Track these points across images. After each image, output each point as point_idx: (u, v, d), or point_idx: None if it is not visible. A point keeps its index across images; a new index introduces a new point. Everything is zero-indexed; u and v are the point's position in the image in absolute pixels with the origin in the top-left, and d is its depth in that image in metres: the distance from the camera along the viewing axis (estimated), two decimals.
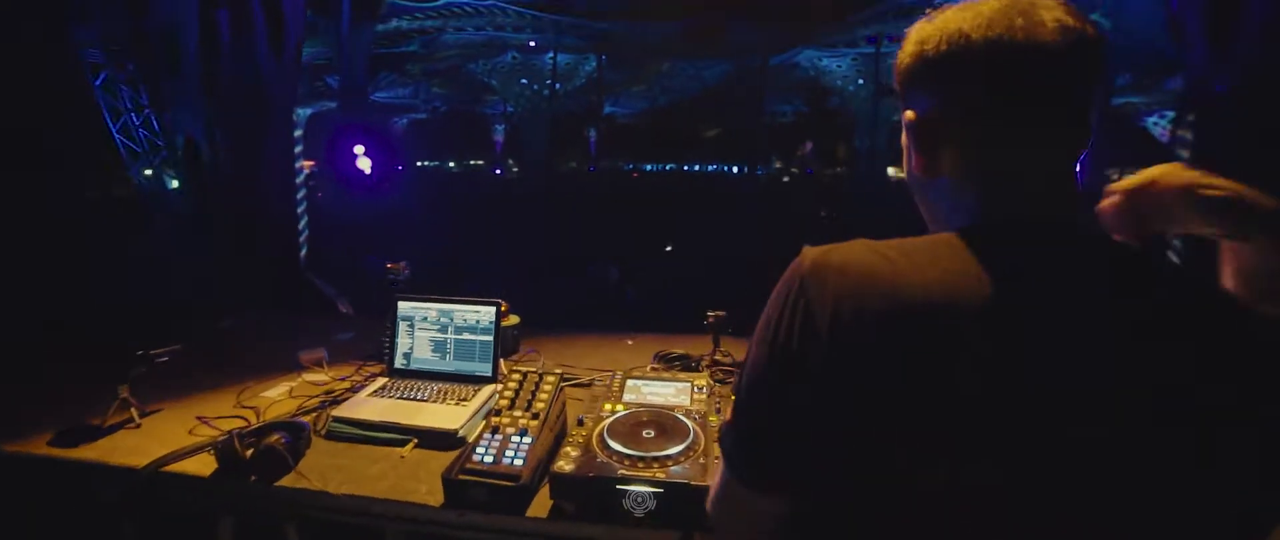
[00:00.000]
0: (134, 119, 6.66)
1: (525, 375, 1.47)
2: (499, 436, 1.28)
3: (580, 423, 1.33)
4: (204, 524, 1.38)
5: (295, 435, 1.36)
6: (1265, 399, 0.53)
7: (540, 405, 1.37)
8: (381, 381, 1.68)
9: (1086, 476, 0.52)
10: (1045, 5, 0.59)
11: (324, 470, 1.32)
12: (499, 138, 31.50)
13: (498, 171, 32.14)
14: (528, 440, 1.27)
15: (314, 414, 1.58)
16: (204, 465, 1.35)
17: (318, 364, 1.96)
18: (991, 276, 0.55)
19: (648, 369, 1.75)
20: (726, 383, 1.72)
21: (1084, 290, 0.56)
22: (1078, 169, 0.64)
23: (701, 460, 1.20)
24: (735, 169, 36.12)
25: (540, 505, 1.20)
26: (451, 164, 39.44)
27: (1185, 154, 3.24)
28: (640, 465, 1.17)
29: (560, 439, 1.36)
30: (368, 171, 3.93)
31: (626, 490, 1.13)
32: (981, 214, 0.63)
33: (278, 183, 4.67)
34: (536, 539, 1.18)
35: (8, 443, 1.45)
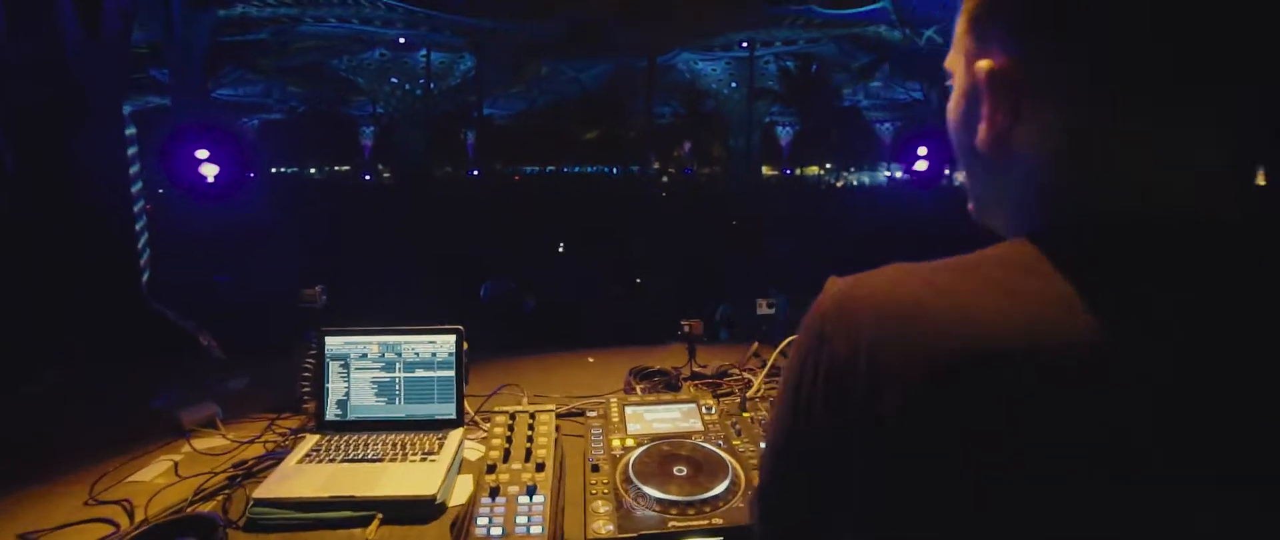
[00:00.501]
0: None
1: (513, 416, 1.22)
2: (501, 499, 1.02)
3: (596, 468, 1.11)
4: None
5: (205, 536, 1.00)
6: None
7: (541, 452, 1.13)
8: (310, 441, 1.32)
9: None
10: None
11: None
12: (367, 141, 29.02)
13: (367, 177, 29.65)
14: (540, 499, 1.03)
15: (220, 498, 1.20)
16: None
17: (209, 425, 1.53)
18: (1102, 309, 0.37)
19: (639, 391, 1.55)
20: (731, 394, 1.55)
21: (1255, 329, 0.37)
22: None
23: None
24: (614, 170, 36.46)
25: None
26: (312, 170, 35.87)
27: None
28: (691, 512, 0.99)
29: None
30: (212, 179, 3.31)
31: None
32: (1080, 210, 0.45)
33: (105, 194, 3.83)
34: None
35: None
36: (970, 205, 0.56)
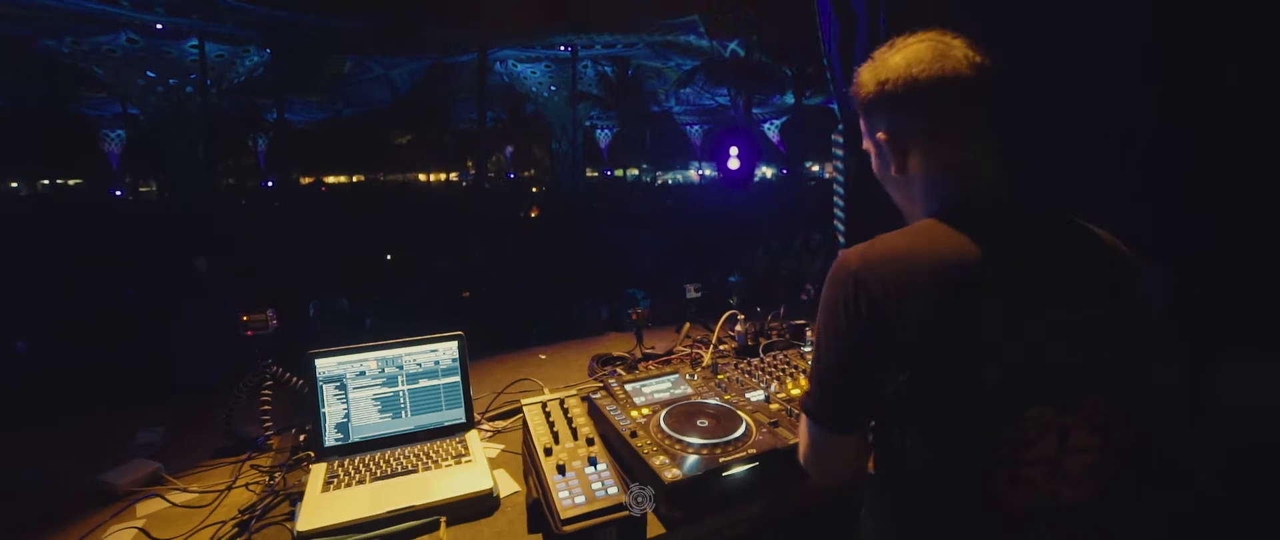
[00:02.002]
0: None
1: (545, 405, 1.33)
2: (570, 474, 1.15)
3: (634, 435, 1.28)
4: None
5: None
6: (1121, 295, 0.87)
7: (586, 430, 1.27)
8: (321, 469, 1.27)
9: (1067, 363, 0.82)
10: (959, 44, 0.87)
11: None
12: (113, 148, 23.49)
13: (118, 193, 24.10)
14: (603, 467, 1.17)
15: None
16: None
17: (152, 484, 1.34)
18: (979, 243, 0.82)
19: (621, 375, 1.72)
20: (700, 362, 1.78)
21: (1040, 243, 0.86)
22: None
23: (765, 427, 1.30)
24: (430, 176, 34.53)
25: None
26: (15, 184, 28.18)
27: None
28: (730, 449, 1.22)
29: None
30: None
31: (729, 482, 1.17)
32: (949, 200, 0.89)
33: None
34: None
35: None
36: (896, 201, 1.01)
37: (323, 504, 1.16)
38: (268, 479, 1.32)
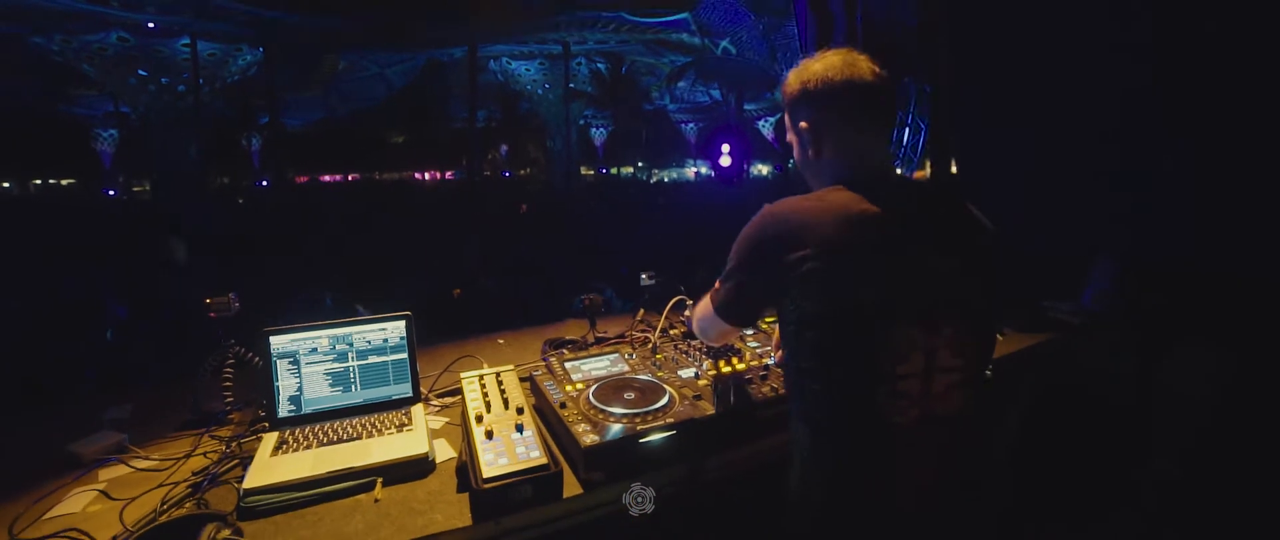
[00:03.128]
0: None
1: (480, 378, 1.43)
2: (497, 439, 1.25)
3: (563, 406, 1.38)
4: None
5: (221, 522, 1.07)
6: (977, 249, 1.10)
7: (517, 400, 1.37)
8: (273, 437, 1.37)
9: (932, 295, 1.03)
10: (863, 59, 1.12)
11: None
12: (106, 148, 23.51)
13: (111, 193, 24.09)
14: (529, 433, 1.27)
15: (190, 504, 1.22)
16: None
17: (116, 453, 1.44)
18: (873, 201, 1.03)
19: (565, 354, 1.81)
20: (648, 344, 1.88)
21: (918, 205, 1.09)
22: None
23: (688, 399, 1.40)
24: (426, 175, 34.52)
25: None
26: (6, 184, 28.11)
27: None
28: (650, 419, 1.32)
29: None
30: None
31: (645, 448, 1.27)
32: (848, 174, 1.11)
33: None
34: (579, 515, 1.22)
35: None
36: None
37: (270, 466, 1.26)
38: (224, 447, 1.42)
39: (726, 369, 1.61)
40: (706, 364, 1.65)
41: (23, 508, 1.22)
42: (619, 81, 21.74)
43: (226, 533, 1.02)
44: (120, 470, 1.37)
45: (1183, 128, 2.91)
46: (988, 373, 1.85)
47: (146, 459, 1.41)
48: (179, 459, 1.40)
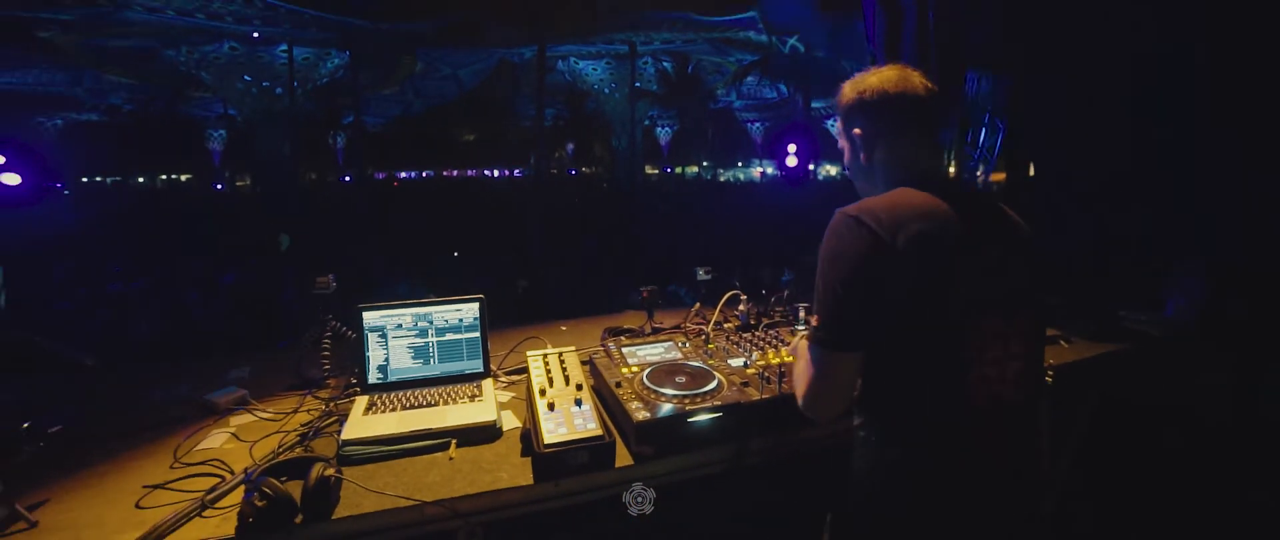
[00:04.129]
0: None
1: (545, 356, 1.56)
2: (558, 411, 1.37)
3: (619, 386, 1.49)
4: None
5: (327, 463, 1.25)
6: (1027, 244, 1.15)
7: (577, 378, 1.49)
8: (364, 400, 1.56)
9: (1006, 285, 1.08)
10: (916, 74, 1.19)
11: (362, 498, 1.23)
12: (216, 146, 25.89)
13: (219, 187, 26.49)
14: (587, 407, 1.39)
15: (299, 448, 1.42)
16: (199, 531, 1.16)
17: (240, 405, 1.69)
18: (941, 198, 1.09)
19: (623, 340, 1.93)
20: (701, 335, 1.97)
21: (973, 203, 1.12)
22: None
23: (736, 385, 1.48)
24: (496, 172, 35.72)
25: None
26: (140, 178, 31.29)
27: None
28: (698, 400, 1.41)
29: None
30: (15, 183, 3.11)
31: (693, 427, 1.36)
32: (905, 178, 1.15)
33: None
34: (628, 485, 1.33)
35: None
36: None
37: (363, 423, 1.44)
38: (324, 406, 1.63)
39: (775, 360, 1.68)
40: (755, 355, 1.72)
41: (178, 441, 1.49)
42: (685, 80, 21.77)
43: (331, 471, 1.19)
44: (246, 418, 1.61)
45: None
46: (1049, 375, 1.83)
47: (264, 412, 1.64)
48: (289, 413, 1.62)
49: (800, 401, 1.15)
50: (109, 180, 28.28)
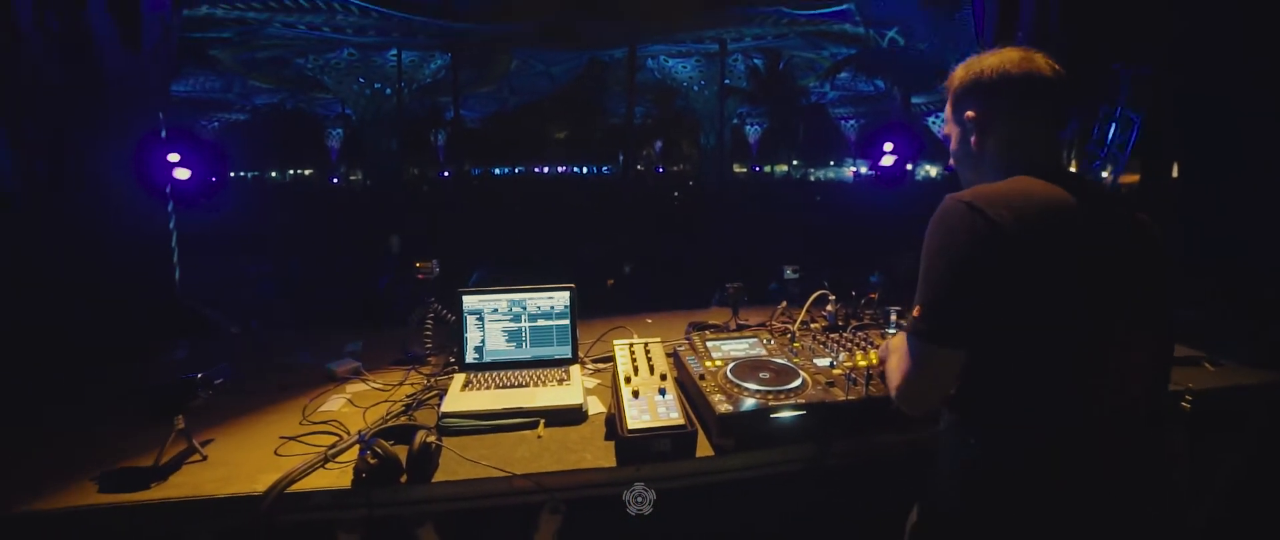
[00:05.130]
0: None
1: (631, 346, 1.61)
2: (642, 399, 1.41)
3: (702, 378, 1.51)
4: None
5: (429, 431, 1.36)
6: (1153, 241, 1.05)
7: (661, 368, 1.52)
8: (462, 377, 1.68)
9: (1128, 288, 1.00)
10: (1041, 56, 1.09)
11: (458, 466, 1.33)
12: (334, 143, 28.46)
13: (334, 181, 29.08)
14: (671, 397, 1.42)
15: (404, 416, 1.56)
16: (321, 481, 1.30)
17: (355, 374, 1.87)
18: (1064, 191, 1.01)
19: (707, 335, 1.94)
20: (786, 334, 1.94)
21: (1095, 198, 1.03)
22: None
23: (821, 385, 1.45)
24: (584, 170, 36.62)
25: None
26: (273, 173, 34.91)
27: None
28: (782, 397, 1.39)
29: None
30: (186, 177, 3.51)
31: (776, 424, 1.35)
32: (1018, 166, 1.07)
33: (143, 199, 4.00)
34: (708, 476, 1.34)
35: (50, 498, 1.25)
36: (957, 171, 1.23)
37: (460, 398, 1.56)
38: (426, 381, 1.77)
39: (862, 362, 1.63)
40: (842, 356, 1.68)
41: (305, 402, 1.69)
42: (775, 77, 21.28)
43: (433, 438, 1.29)
44: (360, 386, 1.79)
45: None
46: (1187, 401, 1.62)
47: (374, 382, 1.81)
48: (395, 385, 1.78)
49: (893, 393, 1.10)
50: (248, 174, 31.79)
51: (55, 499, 1.24)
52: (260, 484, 1.27)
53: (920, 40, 13.64)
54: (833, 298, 2.12)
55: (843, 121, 30.46)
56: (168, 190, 3.57)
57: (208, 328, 4.22)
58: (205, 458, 1.39)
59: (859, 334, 1.86)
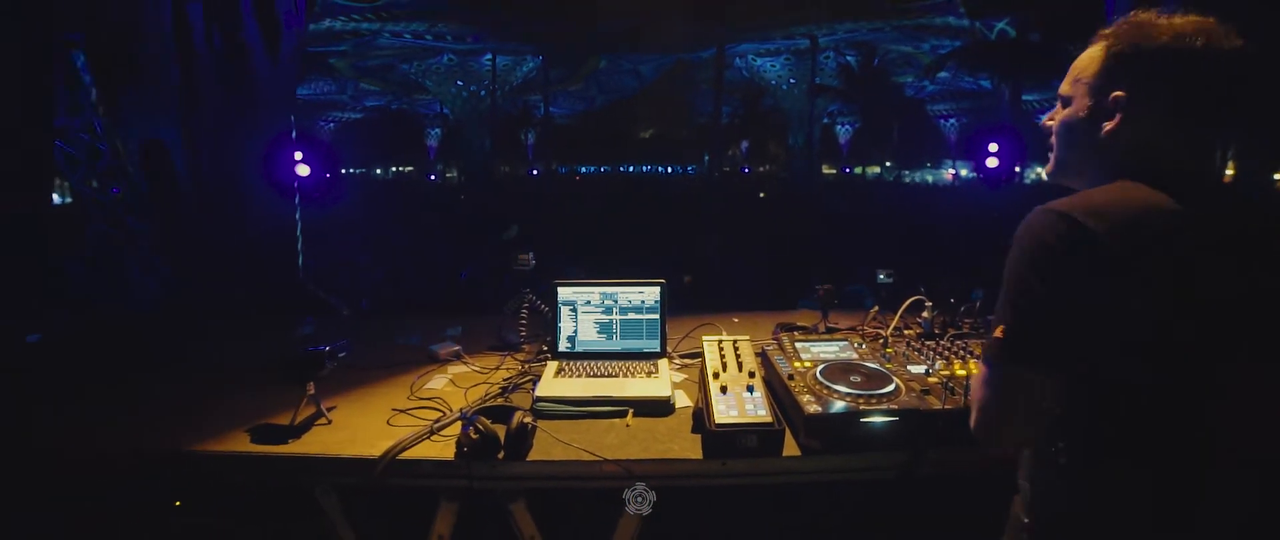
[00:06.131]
0: (73, 123, 6.06)
1: (719, 342, 1.62)
2: (730, 395, 1.42)
3: (791, 378, 1.50)
4: (426, 508, 1.44)
5: (525, 412, 1.44)
6: None
7: (750, 365, 1.53)
8: (554, 365, 1.77)
9: (1256, 317, 0.84)
10: (1231, 30, 0.88)
11: (551, 447, 1.40)
12: (432, 142, 30.40)
13: (432, 177, 31.03)
14: (759, 395, 1.42)
15: (501, 398, 1.66)
16: (427, 451, 1.41)
17: (455, 357, 2.01)
18: (1182, 201, 0.84)
19: (796, 336, 1.92)
20: (878, 338, 1.89)
21: (1245, 219, 0.88)
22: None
23: (915, 392, 1.41)
24: (668, 169, 36.74)
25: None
26: (378, 171, 37.71)
27: None
28: (873, 401, 1.36)
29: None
30: (306, 174, 3.84)
31: (866, 428, 1.32)
32: (1152, 168, 0.89)
33: (274, 193, 4.47)
34: (794, 476, 1.34)
35: (214, 441, 1.45)
36: (1050, 170, 1.06)
37: (553, 384, 1.64)
38: (520, 367, 1.88)
39: (961, 372, 1.55)
40: (939, 364, 1.61)
41: (412, 379, 1.84)
42: (869, 74, 20.39)
43: (529, 419, 1.38)
44: (460, 367, 1.93)
45: None
46: None
47: (473, 364, 1.94)
48: (492, 368, 1.90)
49: (972, 423, 0.94)
50: (356, 170, 34.58)
51: (218, 442, 1.45)
52: (375, 449, 1.40)
53: (1033, 31, 12.55)
54: (929, 304, 2.03)
55: (942, 120, 28.68)
56: (294, 185, 3.98)
57: (325, 307, 4.65)
58: (330, 421, 1.55)
59: (958, 343, 1.78)
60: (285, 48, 4.40)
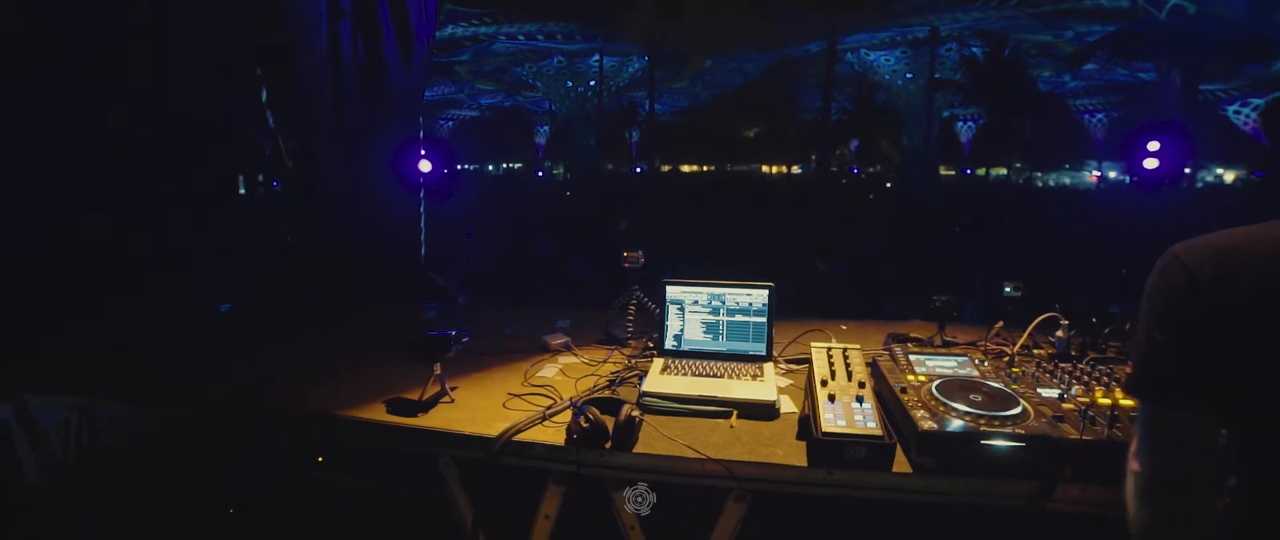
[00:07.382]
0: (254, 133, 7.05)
1: (829, 349, 1.60)
2: (839, 404, 1.40)
3: (904, 391, 1.44)
4: (535, 488, 1.53)
5: (632, 405, 1.50)
6: None
7: (859, 375, 1.49)
8: (660, 362, 1.82)
9: None
10: None
11: (655, 441, 1.44)
12: (540, 140, 31.84)
13: (540, 174, 32.47)
14: (868, 406, 1.39)
15: (608, 390, 1.74)
16: (539, 435, 1.50)
17: (565, 348, 2.12)
18: None
19: (910, 348, 1.84)
20: (1003, 357, 1.77)
21: None
22: None
23: (1046, 417, 1.30)
24: (773, 168, 35.79)
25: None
26: (490, 166, 39.97)
27: None
28: (997, 424, 1.28)
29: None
30: (428, 170, 4.12)
31: (987, 451, 1.24)
32: None
33: (405, 187, 4.89)
34: (904, 493, 1.29)
35: (358, 409, 1.64)
36: None
37: (659, 380, 1.69)
38: (627, 361, 1.95)
39: (1104, 400, 1.41)
40: (1076, 389, 1.48)
41: (526, 367, 1.96)
42: (999, 64, 18.61)
43: (636, 412, 1.43)
44: (570, 358, 2.04)
45: None
46: None
47: (583, 357, 2.04)
48: (600, 361, 1.99)
49: (1130, 499, 0.88)
50: (470, 167, 36.95)
51: (361, 410, 1.64)
52: (493, 429, 1.52)
53: (1228, 4, 10.54)
54: (1065, 322, 1.86)
55: (1087, 115, 25.65)
56: (419, 182, 4.36)
57: (443, 295, 5.05)
58: (453, 400, 1.70)
59: (1099, 368, 1.62)
60: (417, 55, 4.81)
